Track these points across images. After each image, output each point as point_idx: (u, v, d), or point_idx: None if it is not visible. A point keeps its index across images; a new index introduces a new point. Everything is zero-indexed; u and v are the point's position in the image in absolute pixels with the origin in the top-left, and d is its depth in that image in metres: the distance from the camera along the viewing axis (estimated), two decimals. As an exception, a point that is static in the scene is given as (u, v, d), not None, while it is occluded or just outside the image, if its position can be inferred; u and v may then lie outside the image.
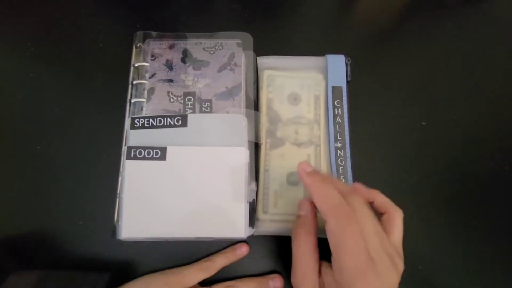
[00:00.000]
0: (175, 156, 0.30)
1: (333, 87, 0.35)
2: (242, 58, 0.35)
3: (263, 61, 0.36)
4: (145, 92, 0.34)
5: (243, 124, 0.32)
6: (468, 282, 0.31)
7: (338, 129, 0.34)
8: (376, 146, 0.34)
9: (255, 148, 0.33)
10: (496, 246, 0.32)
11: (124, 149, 0.30)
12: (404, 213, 0.29)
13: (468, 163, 0.34)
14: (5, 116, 0.34)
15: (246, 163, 0.31)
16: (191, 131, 0.31)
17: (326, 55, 0.36)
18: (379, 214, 0.26)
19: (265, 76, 0.35)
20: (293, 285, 0.25)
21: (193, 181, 0.30)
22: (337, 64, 0.36)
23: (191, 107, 0.33)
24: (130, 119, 0.32)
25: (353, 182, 0.32)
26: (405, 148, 0.35)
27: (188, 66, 0.35)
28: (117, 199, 0.31)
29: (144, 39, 0.36)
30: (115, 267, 0.30)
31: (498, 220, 0.33)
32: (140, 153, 0.30)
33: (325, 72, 0.36)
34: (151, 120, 0.31)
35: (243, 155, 0.31)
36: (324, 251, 0.25)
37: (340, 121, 0.34)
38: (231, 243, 0.31)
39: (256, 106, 0.35)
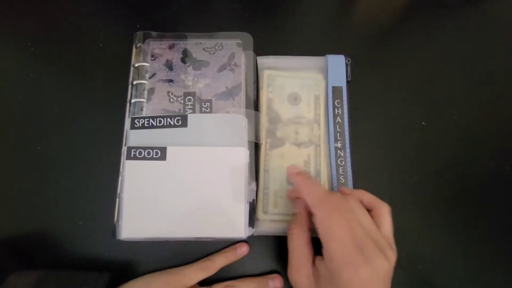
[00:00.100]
0: (175, 156, 0.30)
1: (333, 87, 0.35)
2: (242, 58, 0.35)
3: (263, 61, 0.36)
4: (145, 92, 0.34)
5: (243, 124, 0.32)
6: (468, 282, 0.31)
7: (338, 129, 0.34)
8: (376, 146, 0.34)
9: (255, 148, 0.33)
10: (496, 246, 0.32)
11: (124, 149, 0.30)
12: (404, 213, 0.29)
13: (468, 163, 0.34)
14: (5, 116, 0.34)
15: (246, 163, 0.31)
16: (191, 131, 0.31)
17: (326, 55, 0.36)
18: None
19: (265, 76, 0.35)
20: (289, 277, 0.27)
21: (193, 181, 0.30)
22: (337, 64, 0.36)
23: (191, 107, 0.33)
24: (130, 119, 0.32)
25: (353, 182, 0.32)
26: (405, 148, 0.35)
27: (188, 66, 0.35)
28: (117, 199, 0.31)
29: (144, 39, 0.36)
30: (115, 267, 0.30)
31: (498, 220, 0.33)
32: (140, 153, 0.30)
33: (325, 72, 0.36)
34: (151, 120, 0.31)
35: (243, 155, 0.31)
36: (318, 250, 0.25)
37: (340, 121, 0.34)
38: (231, 243, 0.31)
39: (256, 106, 0.35)
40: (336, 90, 0.35)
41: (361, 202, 0.27)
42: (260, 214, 0.31)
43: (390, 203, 0.26)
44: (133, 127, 0.31)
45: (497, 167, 0.34)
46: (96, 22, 0.38)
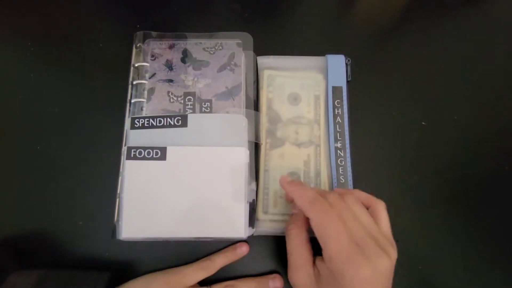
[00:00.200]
0: (175, 156, 0.30)
1: (333, 87, 0.35)
2: (242, 58, 0.35)
3: (263, 61, 0.36)
4: (145, 92, 0.34)
5: (243, 124, 0.32)
6: (468, 282, 0.31)
7: (338, 129, 0.34)
8: (376, 146, 0.34)
9: (255, 148, 0.33)
10: (496, 246, 0.32)
11: (124, 149, 0.30)
12: (404, 213, 0.29)
13: (468, 163, 0.34)
14: (5, 116, 0.34)
15: (246, 163, 0.31)
16: (191, 131, 0.31)
17: (326, 55, 0.36)
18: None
19: (265, 76, 0.35)
20: (289, 278, 0.26)
21: (193, 181, 0.30)
22: (337, 64, 0.36)
23: (191, 107, 0.33)
24: (130, 119, 0.32)
25: (353, 182, 0.32)
26: (405, 148, 0.35)
27: (188, 66, 0.35)
28: (117, 199, 0.31)
29: (144, 39, 0.36)
30: (115, 267, 0.30)
31: (498, 220, 0.33)
32: (140, 153, 0.30)
33: (325, 72, 0.36)
34: (151, 120, 0.31)
35: (243, 155, 0.31)
36: (317, 251, 0.25)
37: (340, 121, 0.34)
38: (231, 243, 0.31)
39: (256, 106, 0.35)
40: (336, 90, 0.35)
41: None
42: (260, 214, 0.31)
43: (390, 203, 0.26)
44: (133, 127, 0.31)
45: (497, 167, 0.34)
46: (96, 22, 0.38)
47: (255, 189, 0.32)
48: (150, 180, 0.30)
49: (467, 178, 0.34)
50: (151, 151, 0.30)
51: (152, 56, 0.35)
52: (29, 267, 0.30)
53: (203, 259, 0.30)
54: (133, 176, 0.30)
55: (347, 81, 0.35)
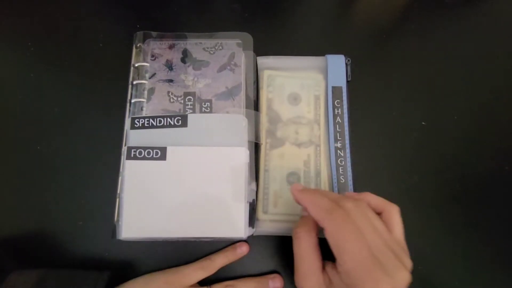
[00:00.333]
0: (175, 156, 0.30)
1: (333, 87, 0.35)
2: (242, 58, 0.35)
3: (263, 61, 0.36)
4: (145, 92, 0.34)
5: (243, 124, 0.32)
6: (468, 282, 0.31)
7: (338, 129, 0.34)
8: (376, 146, 0.34)
9: (255, 148, 0.33)
10: (496, 246, 0.32)
11: (124, 149, 0.30)
12: (404, 213, 0.29)
13: (468, 163, 0.34)
14: (5, 116, 0.34)
15: (246, 163, 0.31)
16: (191, 131, 0.31)
17: (326, 55, 0.36)
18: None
19: (265, 76, 0.35)
20: (296, 284, 0.25)
21: (193, 181, 0.30)
22: (337, 64, 0.36)
23: (191, 107, 0.33)
24: (130, 119, 0.32)
25: (353, 182, 0.32)
26: (405, 148, 0.35)
27: (188, 66, 0.35)
28: (117, 199, 0.31)
29: (144, 39, 0.36)
30: (115, 267, 0.30)
31: (498, 220, 0.33)
32: (140, 153, 0.30)
33: (325, 72, 0.36)
34: (151, 120, 0.31)
35: (243, 155, 0.31)
36: (325, 252, 0.25)
37: (340, 121, 0.34)
38: (231, 243, 0.31)
39: (256, 106, 0.35)
40: (336, 90, 0.35)
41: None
42: (260, 214, 0.31)
43: (390, 203, 0.26)
44: (133, 127, 0.31)
45: (497, 167, 0.34)
46: (96, 22, 0.38)
47: (255, 189, 0.32)
48: (150, 180, 0.30)
49: (467, 178, 0.34)
50: (151, 151, 0.30)
51: (152, 56, 0.35)
52: (29, 267, 0.30)
53: (203, 259, 0.30)
54: (133, 176, 0.30)
55: (347, 81, 0.35)
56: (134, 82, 0.34)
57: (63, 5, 0.38)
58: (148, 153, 0.30)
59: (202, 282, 0.29)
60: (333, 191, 0.32)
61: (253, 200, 0.31)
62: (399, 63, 0.38)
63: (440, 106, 0.36)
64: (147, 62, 0.35)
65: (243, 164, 0.30)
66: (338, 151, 0.33)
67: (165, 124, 0.31)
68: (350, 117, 0.34)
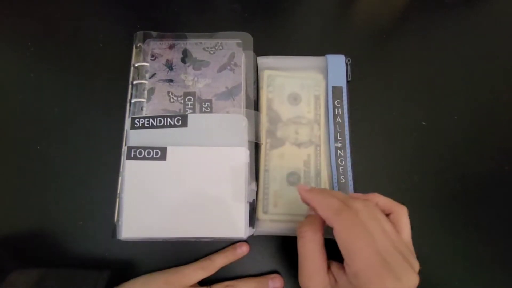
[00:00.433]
0: (175, 156, 0.30)
1: (333, 87, 0.35)
2: (242, 58, 0.35)
3: (263, 61, 0.36)
4: (145, 92, 0.34)
5: (243, 124, 0.32)
6: (468, 282, 0.31)
7: (338, 129, 0.34)
8: (376, 146, 0.34)
9: (255, 148, 0.33)
10: (496, 246, 0.32)
11: (124, 149, 0.30)
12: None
13: (468, 163, 0.34)
14: (5, 116, 0.34)
15: (246, 163, 0.31)
16: (191, 131, 0.31)
17: (326, 55, 0.36)
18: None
19: (265, 76, 0.35)
20: (301, 284, 0.25)
21: (193, 181, 0.30)
22: (337, 64, 0.36)
23: (191, 107, 0.33)
24: (130, 119, 0.32)
25: (353, 182, 0.32)
26: (405, 148, 0.35)
27: (188, 66, 0.35)
28: (117, 199, 0.31)
29: (144, 39, 0.36)
30: (115, 267, 0.30)
31: (498, 220, 0.33)
32: (140, 153, 0.30)
33: (325, 72, 0.36)
34: (151, 120, 0.31)
35: (243, 155, 0.31)
36: (330, 252, 0.25)
37: (340, 121, 0.34)
38: (231, 243, 0.31)
39: (256, 106, 0.35)
40: (336, 90, 0.35)
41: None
42: (260, 214, 0.31)
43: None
44: (133, 127, 0.31)
45: (497, 167, 0.34)
46: (96, 22, 0.38)
47: (255, 189, 0.32)
48: (150, 180, 0.30)
49: (467, 178, 0.34)
50: (151, 151, 0.30)
51: (152, 56, 0.35)
52: (30, 267, 0.30)
53: (203, 259, 0.30)
54: (133, 176, 0.30)
55: (347, 81, 0.35)
56: (134, 82, 0.34)
57: (63, 5, 0.38)
58: (148, 153, 0.30)
59: (202, 282, 0.29)
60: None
61: (253, 200, 0.31)
62: (399, 63, 0.38)
63: (440, 106, 0.36)
64: (147, 62, 0.35)
65: (243, 164, 0.30)
66: (338, 151, 0.33)
67: (165, 124, 0.31)
68: (350, 117, 0.34)
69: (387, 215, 0.25)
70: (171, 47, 0.36)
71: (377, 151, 0.34)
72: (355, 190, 0.32)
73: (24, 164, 0.33)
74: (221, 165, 0.30)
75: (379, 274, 0.20)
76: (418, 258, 0.24)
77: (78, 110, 0.34)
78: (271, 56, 0.36)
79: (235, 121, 0.32)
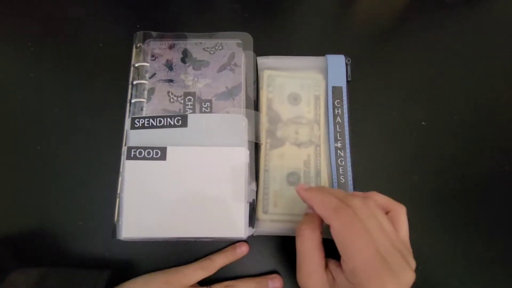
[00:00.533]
0: (175, 156, 0.30)
1: (333, 87, 0.35)
2: (242, 58, 0.35)
3: (263, 61, 0.36)
4: (145, 92, 0.34)
5: (243, 124, 0.32)
6: (468, 282, 0.31)
7: (338, 129, 0.34)
8: (376, 146, 0.34)
9: (255, 148, 0.33)
10: (496, 246, 0.32)
11: (124, 149, 0.30)
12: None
13: (468, 163, 0.34)
14: (5, 116, 0.34)
15: (246, 163, 0.31)
16: (191, 131, 0.31)
17: (326, 55, 0.36)
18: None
19: (265, 76, 0.35)
20: (299, 283, 0.25)
21: (193, 181, 0.30)
22: (337, 64, 0.36)
23: (191, 107, 0.33)
24: (130, 119, 0.32)
25: (353, 182, 0.32)
26: (405, 148, 0.35)
27: (188, 66, 0.35)
28: (117, 199, 0.31)
29: (144, 39, 0.36)
30: (115, 267, 0.30)
31: (498, 220, 0.33)
32: (140, 153, 0.30)
33: (325, 72, 0.36)
34: (151, 120, 0.31)
35: (243, 155, 0.31)
36: (328, 251, 0.25)
37: (340, 121, 0.34)
38: (231, 243, 0.31)
39: (256, 106, 0.35)
40: (336, 90, 0.35)
41: None
42: (260, 214, 0.31)
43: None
44: (133, 127, 0.31)
45: (497, 167, 0.34)
46: (96, 22, 0.38)
47: (255, 189, 0.32)
48: (150, 180, 0.30)
49: (467, 178, 0.34)
50: (151, 151, 0.30)
51: (152, 56, 0.35)
52: (30, 267, 0.30)
53: (203, 259, 0.30)
54: (133, 176, 0.30)
55: (347, 81, 0.35)
56: (134, 82, 0.34)
57: (63, 5, 0.38)
58: (148, 153, 0.30)
59: (202, 282, 0.29)
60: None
61: (253, 200, 0.31)
62: (399, 63, 0.38)
63: (440, 106, 0.36)
64: (147, 62, 0.35)
65: (243, 164, 0.30)
66: (338, 151, 0.33)
67: (165, 124, 0.31)
68: (350, 117, 0.34)
69: (385, 213, 0.25)
70: (171, 47, 0.36)
71: (377, 151, 0.34)
72: (355, 190, 0.32)
73: (24, 164, 0.33)
74: (221, 165, 0.30)
75: (377, 271, 0.20)
76: (418, 258, 0.24)
77: (78, 110, 0.34)
78: (271, 56, 0.36)
79: (235, 121, 0.32)
